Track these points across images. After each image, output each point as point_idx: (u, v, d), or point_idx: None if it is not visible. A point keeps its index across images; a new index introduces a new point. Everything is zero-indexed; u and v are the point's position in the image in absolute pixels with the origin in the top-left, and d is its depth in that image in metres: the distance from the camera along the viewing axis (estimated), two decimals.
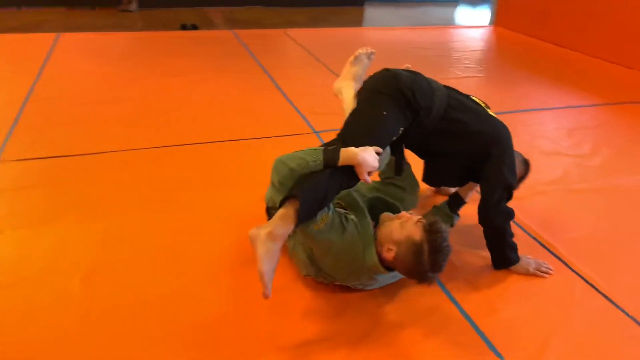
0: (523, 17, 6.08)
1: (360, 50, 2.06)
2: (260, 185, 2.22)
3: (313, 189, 1.59)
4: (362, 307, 1.78)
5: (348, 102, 1.92)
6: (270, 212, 1.94)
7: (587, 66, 5.00)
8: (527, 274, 1.99)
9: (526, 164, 2.16)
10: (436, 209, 2.13)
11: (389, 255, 1.63)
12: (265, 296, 1.51)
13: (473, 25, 6.77)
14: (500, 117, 2.03)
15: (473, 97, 2.05)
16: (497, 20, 6.52)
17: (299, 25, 6.21)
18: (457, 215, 2.11)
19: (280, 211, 1.57)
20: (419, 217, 1.66)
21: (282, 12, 7.00)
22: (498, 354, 1.63)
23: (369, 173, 1.64)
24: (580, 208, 2.48)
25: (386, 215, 1.75)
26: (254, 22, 6.32)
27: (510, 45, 5.76)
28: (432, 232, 1.58)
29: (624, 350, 1.68)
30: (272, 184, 1.80)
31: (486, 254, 2.01)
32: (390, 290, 1.85)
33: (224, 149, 2.92)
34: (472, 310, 1.80)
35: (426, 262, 1.56)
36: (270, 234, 1.53)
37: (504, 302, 1.86)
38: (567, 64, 5.07)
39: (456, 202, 2.11)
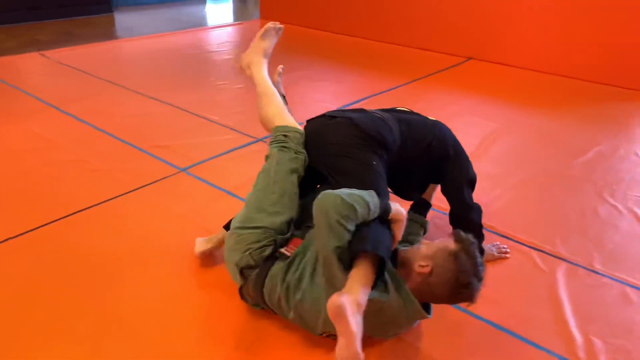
0: (292, 8, 6.23)
1: (269, 25, 2.14)
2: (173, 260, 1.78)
3: (386, 244, 1.43)
4: None
5: (260, 80, 2.02)
6: (244, 272, 1.64)
7: (372, 50, 5.37)
8: (494, 259, 2.08)
9: None
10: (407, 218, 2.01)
11: (424, 270, 1.47)
12: None
13: (237, 22, 6.66)
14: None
15: (403, 108, 2.10)
16: (263, 14, 6.55)
17: (45, 44, 5.17)
18: (427, 220, 2.05)
19: (358, 272, 1.36)
20: None
21: (17, 31, 5.74)
22: (530, 342, 1.67)
23: None
24: (487, 188, 2.66)
25: (404, 250, 1.61)
26: None
27: (284, 37, 5.82)
28: (464, 239, 1.49)
29: (602, 298, 1.90)
30: (317, 226, 1.50)
31: None
32: None
33: (81, 224, 2.25)
34: (480, 310, 1.78)
35: (469, 267, 1.45)
36: (359, 305, 1.31)
37: (498, 293, 1.89)
38: (358, 50, 5.36)
39: (424, 207, 2.06)
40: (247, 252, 1.63)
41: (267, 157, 1.84)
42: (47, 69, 4.43)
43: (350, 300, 1.31)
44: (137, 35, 5.66)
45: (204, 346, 1.63)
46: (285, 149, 1.80)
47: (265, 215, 1.68)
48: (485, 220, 2.30)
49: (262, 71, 2.06)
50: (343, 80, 4.39)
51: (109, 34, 5.96)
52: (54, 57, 4.68)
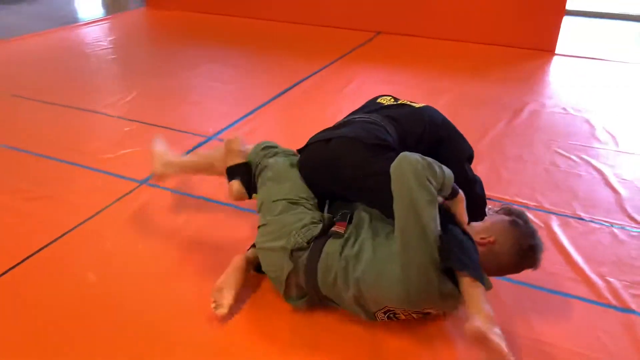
0: None
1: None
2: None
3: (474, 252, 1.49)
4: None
5: (183, 163, 2.17)
6: (294, 255, 1.61)
7: (282, 32, 5.19)
8: None
9: None
10: None
11: (488, 240, 1.54)
12: None
13: (121, 12, 6.11)
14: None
15: (382, 101, 2.06)
16: (149, 1, 6.08)
17: None
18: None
19: (471, 291, 1.42)
20: None
21: None
22: (559, 293, 1.78)
23: None
24: None
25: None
26: None
27: (182, 25, 5.49)
28: (514, 210, 1.63)
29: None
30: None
31: None
32: None
33: (57, 256, 1.97)
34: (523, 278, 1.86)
35: (530, 232, 1.56)
36: (490, 319, 1.37)
37: None
38: (263, 34, 5.16)
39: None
40: (293, 233, 1.61)
41: (261, 171, 1.84)
42: None
43: (483, 320, 1.36)
44: (13, 36, 4.95)
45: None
46: (277, 155, 1.90)
47: (284, 188, 1.74)
48: None
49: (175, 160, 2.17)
50: (252, 71, 4.20)
51: None
52: None
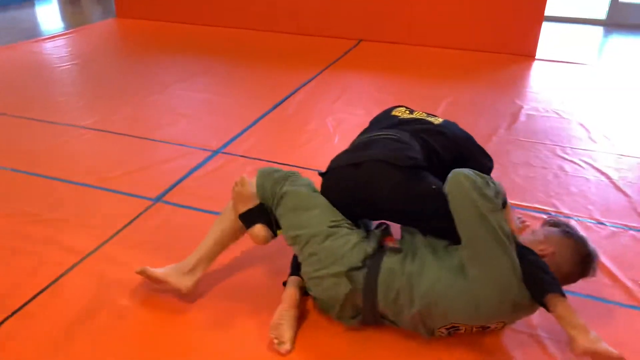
0: (155, 3, 5.70)
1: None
2: None
3: (550, 272, 1.51)
4: None
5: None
6: (349, 276, 1.56)
7: (263, 42, 5.13)
8: (519, 231, 2.17)
9: None
10: None
11: (548, 252, 1.57)
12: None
13: (89, 23, 5.89)
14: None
15: (396, 113, 2.04)
16: (119, 12, 5.88)
17: None
18: None
19: (567, 306, 1.45)
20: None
21: None
22: (598, 299, 1.81)
23: None
24: None
25: None
26: None
27: (154, 38, 5.34)
28: (561, 222, 1.70)
29: None
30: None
31: None
32: None
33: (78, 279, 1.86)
34: None
35: (584, 239, 1.61)
36: (587, 331, 1.43)
37: None
38: (243, 44, 5.08)
39: None
40: (347, 255, 1.56)
41: (279, 202, 1.72)
42: None
43: (584, 336, 1.41)
44: None
45: None
46: (288, 180, 1.76)
47: (316, 215, 1.67)
48: None
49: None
50: (239, 82, 4.10)
51: None
52: None
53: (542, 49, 4.79)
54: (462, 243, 1.51)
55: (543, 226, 1.73)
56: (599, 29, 6.03)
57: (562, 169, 2.74)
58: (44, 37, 5.07)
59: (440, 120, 2.00)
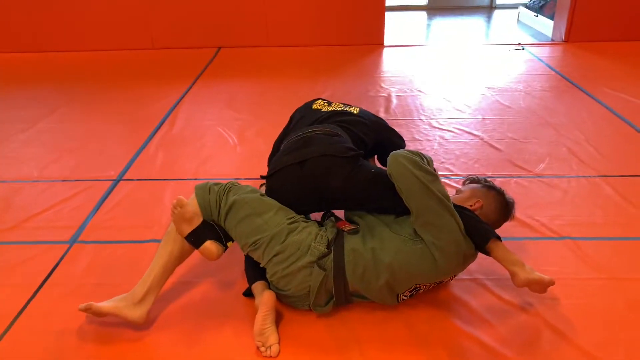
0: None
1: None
2: None
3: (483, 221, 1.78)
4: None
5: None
6: (320, 264, 1.66)
7: (130, 61, 4.88)
8: None
9: None
10: None
11: (476, 205, 1.83)
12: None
13: None
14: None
15: (317, 106, 2.18)
16: None
17: None
18: None
19: (503, 248, 1.70)
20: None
21: None
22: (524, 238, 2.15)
23: None
24: None
25: None
26: None
27: (8, 68, 4.76)
28: (476, 178, 1.99)
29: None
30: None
31: None
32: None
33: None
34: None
35: (502, 190, 1.91)
36: (523, 264, 1.68)
37: None
38: (111, 65, 4.80)
39: None
40: (312, 245, 1.67)
41: (227, 214, 1.75)
42: None
43: (522, 269, 1.66)
44: None
45: None
46: (232, 190, 1.79)
47: (271, 216, 1.73)
48: None
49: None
50: (108, 110, 3.93)
51: None
52: None
53: (387, 36, 5.26)
54: (413, 213, 1.68)
55: (464, 184, 1.98)
56: (423, 14, 6.80)
57: (443, 138, 3.11)
58: None
59: (358, 109, 2.16)
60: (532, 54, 4.77)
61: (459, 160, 2.83)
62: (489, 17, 6.77)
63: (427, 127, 3.26)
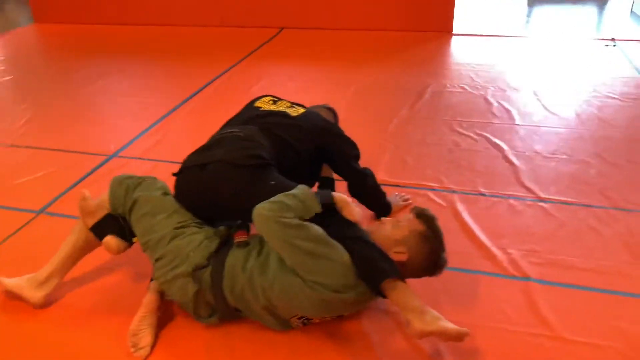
0: (69, 4, 5.56)
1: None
2: None
3: (382, 257, 1.52)
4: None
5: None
6: (195, 275, 1.56)
7: (183, 36, 5.07)
8: (400, 208, 2.23)
9: (332, 110, 2.25)
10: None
11: (401, 257, 1.55)
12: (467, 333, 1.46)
13: (3, 31, 5.72)
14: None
15: (268, 108, 2.02)
16: (36, 17, 5.71)
17: None
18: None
19: (402, 290, 1.49)
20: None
21: None
22: (475, 272, 1.86)
23: None
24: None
25: (367, 227, 1.66)
26: None
27: (73, 40, 5.22)
28: (427, 218, 1.60)
29: (495, 215, 2.19)
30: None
31: None
32: None
33: None
34: None
35: (439, 248, 1.58)
36: (422, 312, 1.45)
37: None
38: (164, 40, 5.00)
39: (328, 183, 2.09)
40: (190, 255, 1.58)
41: (131, 210, 1.71)
42: None
43: (419, 319, 1.44)
44: None
45: None
46: (140, 186, 1.76)
47: (164, 218, 1.66)
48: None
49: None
50: (152, 80, 4.08)
51: None
52: None
53: (460, 23, 4.84)
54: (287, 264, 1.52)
55: (408, 217, 1.65)
56: (516, 1, 6.14)
57: (456, 144, 2.78)
58: None
59: (302, 111, 2.01)
60: (624, 53, 4.10)
61: (458, 171, 2.51)
62: (602, 7, 5.93)
63: (445, 129, 2.94)
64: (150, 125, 3.14)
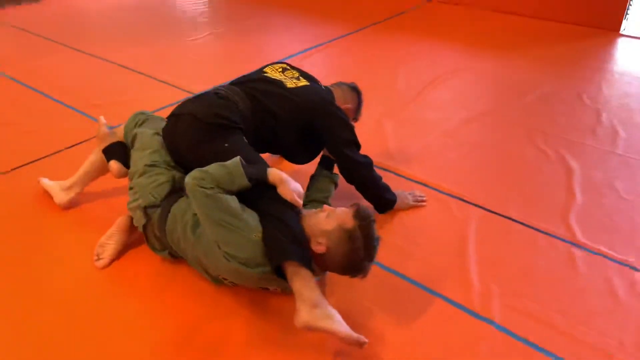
0: None
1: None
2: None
3: (292, 239, 1.49)
4: None
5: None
6: (147, 212, 1.72)
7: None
8: (409, 207, 2.10)
9: (356, 90, 2.16)
10: (317, 175, 2.02)
11: (320, 249, 1.50)
12: (364, 342, 1.41)
13: None
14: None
15: (267, 74, 2.02)
16: None
17: None
18: (336, 174, 2.03)
19: (296, 281, 1.46)
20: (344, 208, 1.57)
21: None
22: (438, 295, 1.70)
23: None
24: (410, 133, 2.67)
25: (307, 211, 1.63)
26: None
27: None
28: (362, 218, 1.49)
29: (510, 244, 1.92)
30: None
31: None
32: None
33: (10, 182, 2.27)
34: (392, 263, 1.83)
35: (361, 250, 1.47)
36: (314, 305, 1.42)
37: (411, 244, 1.92)
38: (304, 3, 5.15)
39: (328, 162, 2.02)
40: (148, 192, 1.72)
41: (132, 143, 1.90)
42: None
43: (307, 311, 1.42)
44: None
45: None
46: (145, 123, 1.94)
47: (145, 155, 1.80)
48: (404, 168, 2.35)
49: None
50: (295, 28, 4.29)
51: None
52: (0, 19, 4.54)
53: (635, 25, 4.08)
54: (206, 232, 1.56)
55: (348, 211, 1.56)
56: None
57: (521, 156, 2.47)
58: None
59: (302, 84, 1.98)
60: None
61: (499, 184, 2.24)
62: None
63: (523, 138, 2.60)
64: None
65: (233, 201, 1.52)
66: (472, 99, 3.04)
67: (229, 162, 1.56)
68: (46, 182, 2.12)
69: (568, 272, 1.80)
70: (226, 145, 1.70)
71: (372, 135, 2.61)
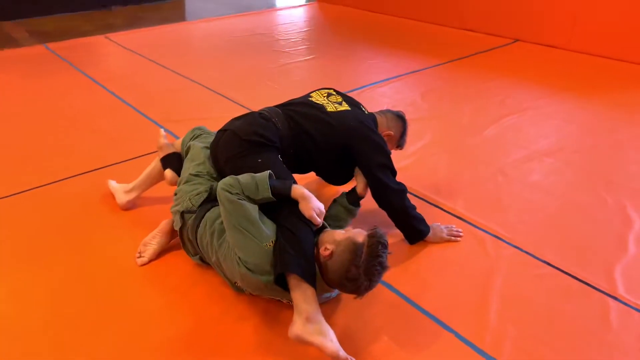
0: None
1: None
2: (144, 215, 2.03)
3: (299, 253, 1.55)
4: None
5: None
6: (184, 216, 1.86)
7: (419, 31, 5.30)
8: (442, 241, 2.07)
9: (401, 118, 2.19)
10: (335, 202, 2.07)
11: (325, 253, 1.56)
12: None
13: (296, 5, 6.80)
14: (353, 94, 2.05)
15: (312, 99, 2.12)
16: None
17: (116, 28, 5.65)
18: (358, 204, 2.05)
19: (295, 294, 1.53)
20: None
21: (94, 17, 6.31)
22: (449, 329, 1.66)
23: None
24: (463, 168, 2.65)
25: (328, 231, 1.69)
26: (64, 31, 5.58)
27: (339, 19, 5.91)
28: (374, 236, 1.52)
29: (540, 287, 1.84)
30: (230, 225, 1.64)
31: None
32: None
33: (86, 182, 2.55)
34: (409, 292, 1.81)
35: (362, 265, 1.50)
36: (308, 319, 1.48)
37: (434, 276, 1.90)
38: (400, 31, 5.33)
39: (353, 197, 2.04)
40: (187, 198, 1.88)
41: (186, 154, 2.08)
42: (107, 50, 4.88)
43: (301, 324, 1.48)
44: (197, 19, 5.99)
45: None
46: (199, 137, 2.13)
47: (192, 165, 1.98)
48: (447, 201, 2.34)
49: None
50: (376, 59, 4.42)
51: (173, 17, 6.36)
52: (116, 40, 5.12)
53: None
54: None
55: (364, 230, 1.61)
56: None
57: (574, 202, 2.33)
58: (251, 12, 6.15)
59: (342, 109, 2.05)
60: None
61: (546, 228, 2.15)
62: None
63: (589, 185, 2.47)
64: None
65: (253, 210, 1.62)
66: (536, 138, 2.94)
67: (259, 174, 1.67)
68: (113, 184, 2.37)
69: (598, 325, 1.68)
70: (259, 160, 1.83)
71: (423, 166, 2.64)
